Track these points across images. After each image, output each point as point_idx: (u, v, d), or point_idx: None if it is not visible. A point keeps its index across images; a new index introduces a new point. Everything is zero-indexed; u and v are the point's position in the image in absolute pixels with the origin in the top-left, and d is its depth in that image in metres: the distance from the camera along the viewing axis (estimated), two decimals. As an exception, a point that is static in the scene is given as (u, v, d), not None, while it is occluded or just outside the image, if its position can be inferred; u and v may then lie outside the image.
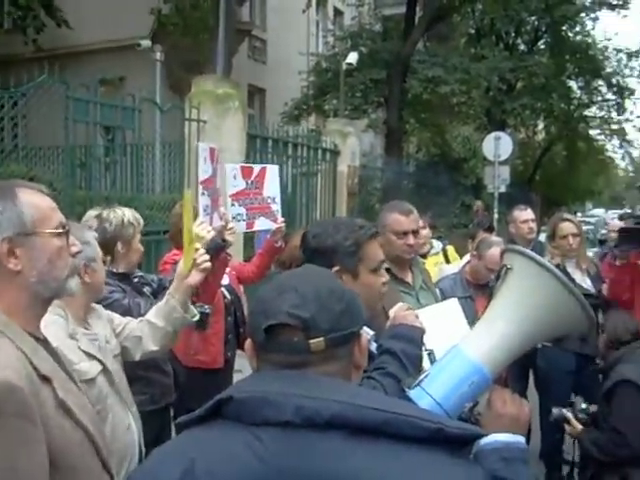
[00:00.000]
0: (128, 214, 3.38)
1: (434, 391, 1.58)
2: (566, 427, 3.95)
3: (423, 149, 20.74)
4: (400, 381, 1.79)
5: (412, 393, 1.61)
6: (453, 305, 2.40)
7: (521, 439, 1.61)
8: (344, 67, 15.66)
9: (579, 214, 31.96)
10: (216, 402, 1.26)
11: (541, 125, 30.12)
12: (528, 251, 1.63)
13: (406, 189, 16.11)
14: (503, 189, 14.87)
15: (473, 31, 24.97)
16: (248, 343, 1.35)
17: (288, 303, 1.26)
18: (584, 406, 3.88)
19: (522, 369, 5.28)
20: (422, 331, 2.13)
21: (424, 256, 5.30)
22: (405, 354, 2.11)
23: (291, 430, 1.19)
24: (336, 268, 2.18)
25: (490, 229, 5.24)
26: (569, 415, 3.91)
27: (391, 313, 2.27)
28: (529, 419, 1.65)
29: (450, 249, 6.40)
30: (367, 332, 1.75)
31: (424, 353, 2.02)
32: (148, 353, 2.75)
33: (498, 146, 14.61)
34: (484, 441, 1.59)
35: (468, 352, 1.60)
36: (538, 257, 1.61)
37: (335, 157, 11.03)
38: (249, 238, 7.30)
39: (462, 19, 22.77)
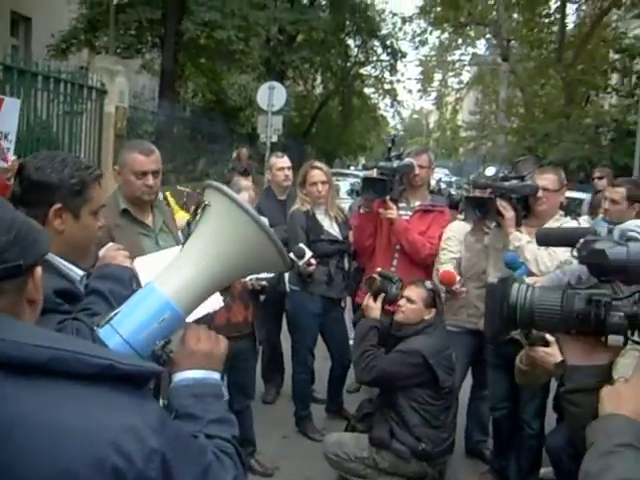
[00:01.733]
0: None
1: (124, 329, 1.52)
2: None
3: (199, 95, 20.40)
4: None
5: (101, 332, 1.53)
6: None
7: (215, 375, 1.60)
8: (115, 1, 14.81)
9: (352, 167, 33.41)
10: None
11: (319, 79, 30.96)
12: (225, 188, 1.60)
13: (180, 134, 15.79)
14: (275, 139, 15.08)
15: (255, -22, 24.92)
16: None
17: None
18: None
19: (273, 313, 5.43)
20: (131, 271, 2.07)
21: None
22: (113, 294, 2.03)
23: None
24: (57, 205, 2.05)
25: (245, 173, 5.26)
26: None
27: (101, 253, 2.17)
28: (224, 354, 1.64)
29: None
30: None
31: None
32: None
33: (272, 96, 14.76)
34: (176, 378, 1.57)
35: (160, 289, 1.55)
36: (234, 195, 1.59)
37: (102, 96, 10.48)
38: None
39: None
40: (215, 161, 16.49)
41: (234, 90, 19.25)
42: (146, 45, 17.34)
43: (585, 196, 9.15)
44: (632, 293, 1.52)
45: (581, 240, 1.61)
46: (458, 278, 4.34)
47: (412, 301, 4.05)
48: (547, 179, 4.14)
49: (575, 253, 1.65)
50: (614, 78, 24.79)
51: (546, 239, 2.35)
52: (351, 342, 5.73)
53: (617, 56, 23.40)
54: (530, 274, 3.77)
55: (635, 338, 1.51)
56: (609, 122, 21.67)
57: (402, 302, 4.06)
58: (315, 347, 5.27)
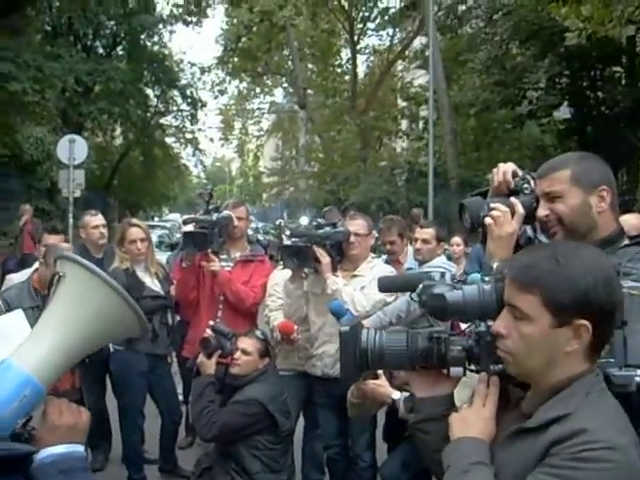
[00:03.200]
0: None
1: (-16, 411, 1.49)
2: None
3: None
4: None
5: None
6: (18, 316, 2.28)
7: (80, 447, 1.59)
8: None
9: (156, 219, 32.93)
10: None
11: (119, 130, 30.39)
12: (79, 258, 1.63)
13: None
14: (78, 193, 14.58)
15: (50, 28, 24.10)
16: None
17: None
18: None
19: (98, 376, 5.27)
20: None
21: None
22: None
23: None
24: None
25: (54, 231, 5.15)
26: None
27: None
28: (87, 425, 1.64)
29: None
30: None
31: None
32: None
33: (72, 149, 14.28)
34: (40, 456, 1.53)
35: (19, 365, 1.54)
36: (89, 264, 1.62)
37: None
38: None
39: (38, 14, 21.78)
40: (11, 219, 15.61)
41: (30, 144, 18.39)
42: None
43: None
44: (466, 328, 1.72)
45: (420, 285, 1.76)
46: (296, 327, 4.50)
47: (247, 353, 4.12)
48: (357, 224, 4.46)
49: (415, 297, 1.79)
50: (404, 124, 26.76)
51: (389, 286, 2.53)
52: (180, 398, 5.73)
53: (405, 103, 25.32)
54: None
55: (472, 368, 1.70)
56: (403, 164, 23.29)
57: (237, 355, 4.12)
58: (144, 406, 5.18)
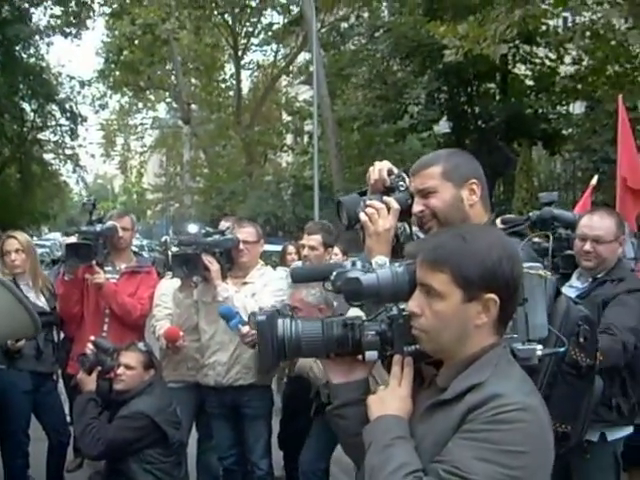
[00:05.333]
0: None
1: None
2: None
3: None
4: None
5: None
6: None
7: None
8: None
9: (35, 238, 31.55)
10: None
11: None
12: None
13: None
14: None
15: None
16: None
17: None
18: None
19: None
20: None
21: None
22: None
23: None
24: None
25: None
26: None
27: None
28: None
29: None
30: None
31: None
32: None
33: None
34: None
35: None
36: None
37: None
38: None
39: None
40: None
41: None
42: None
43: (278, 248, 9.78)
44: (379, 313, 1.78)
45: (334, 272, 1.81)
46: (181, 334, 4.42)
47: (130, 367, 4.02)
48: (247, 232, 4.47)
49: (328, 286, 1.86)
50: (289, 138, 27.00)
51: (303, 277, 2.55)
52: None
53: (290, 118, 25.57)
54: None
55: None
56: (288, 178, 23.46)
57: (120, 370, 4.02)
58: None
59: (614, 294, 3.45)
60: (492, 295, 1.58)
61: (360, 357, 1.77)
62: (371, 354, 1.75)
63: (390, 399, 1.70)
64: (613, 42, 11.45)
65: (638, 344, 3.38)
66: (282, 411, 5.10)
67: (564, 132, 15.64)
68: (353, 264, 1.81)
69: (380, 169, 2.35)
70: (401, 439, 1.61)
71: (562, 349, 1.84)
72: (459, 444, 1.51)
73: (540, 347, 1.73)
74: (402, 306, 1.72)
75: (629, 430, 3.55)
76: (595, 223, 3.59)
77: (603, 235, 3.55)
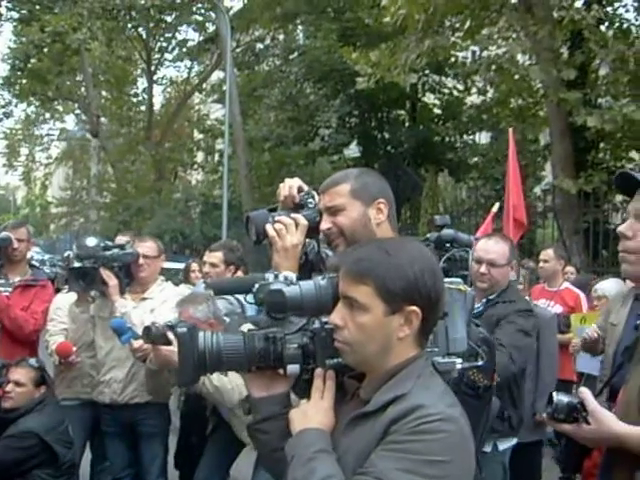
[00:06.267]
0: None
1: None
2: None
3: None
4: None
5: None
6: None
7: None
8: None
9: None
10: None
11: None
12: None
13: None
14: None
15: None
16: None
17: None
18: None
19: None
20: None
21: None
22: None
23: None
24: None
25: None
26: None
27: None
28: None
29: None
30: None
31: None
32: None
33: None
34: None
35: None
36: None
37: None
38: None
39: None
40: None
41: None
42: None
43: (180, 265, 9.65)
44: (301, 327, 1.77)
45: (256, 285, 1.81)
46: (74, 349, 4.29)
47: (20, 384, 3.88)
48: (147, 247, 4.40)
49: (250, 299, 1.85)
50: (199, 156, 26.78)
51: (221, 289, 2.54)
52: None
53: (201, 136, 25.40)
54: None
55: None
56: (198, 196, 23.25)
57: (9, 387, 3.87)
58: None
59: (505, 314, 3.58)
60: (414, 307, 1.60)
61: (281, 371, 1.76)
62: (293, 367, 1.73)
63: (313, 412, 1.70)
64: (516, 76, 11.93)
65: (521, 360, 3.53)
66: (179, 430, 5.01)
67: (469, 161, 16.20)
68: (276, 277, 1.81)
69: (290, 186, 2.35)
70: (324, 452, 1.61)
71: (480, 362, 1.88)
72: (382, 455, 1.52)
73: (460, 361, 1.75)
74: (324, 319, 1.72)
75: (514, 441, 3.74)
76: (491, 247, 3.72)
77: (497, 259, 3.68)
